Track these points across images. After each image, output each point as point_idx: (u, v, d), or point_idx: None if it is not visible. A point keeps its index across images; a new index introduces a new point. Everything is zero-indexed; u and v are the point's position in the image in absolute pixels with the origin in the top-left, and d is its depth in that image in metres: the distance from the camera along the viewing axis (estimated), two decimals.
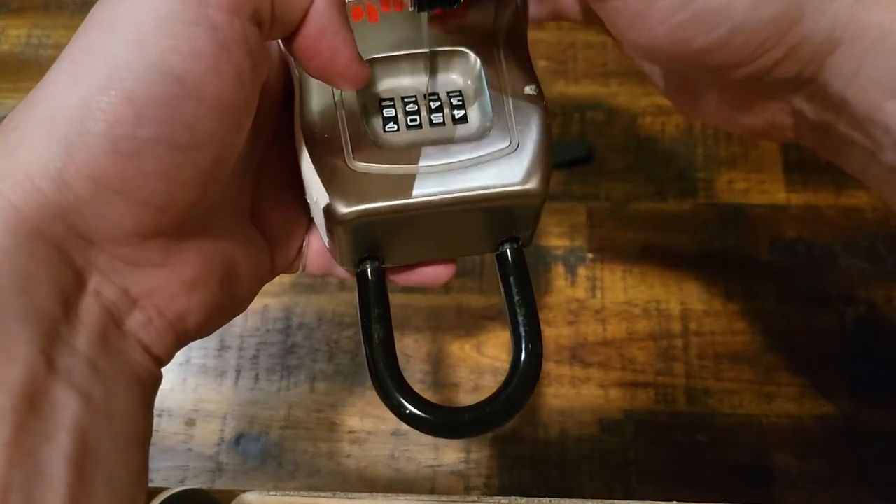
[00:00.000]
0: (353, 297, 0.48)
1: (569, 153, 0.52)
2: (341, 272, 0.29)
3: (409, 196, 0.25)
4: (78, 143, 0.18)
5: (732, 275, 0.48)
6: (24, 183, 0.18)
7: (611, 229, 0.50)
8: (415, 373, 0.47)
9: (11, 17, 0.59)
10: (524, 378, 0.26)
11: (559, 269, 0.49)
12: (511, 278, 0.27)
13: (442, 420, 0.25)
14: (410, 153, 0.25)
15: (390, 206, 0.25)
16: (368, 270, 0.27)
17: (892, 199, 0.26)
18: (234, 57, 0.20)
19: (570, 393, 0.46)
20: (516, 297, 0.27)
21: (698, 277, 0.48)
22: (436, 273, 0.28)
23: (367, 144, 0.25)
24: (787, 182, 0.51)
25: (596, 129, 0.53)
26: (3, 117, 0.57)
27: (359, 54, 0.23)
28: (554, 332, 0.47)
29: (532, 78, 0.27)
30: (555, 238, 0.50)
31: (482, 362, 0.47)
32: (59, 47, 0.57)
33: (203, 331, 0.23)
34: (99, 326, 0.19)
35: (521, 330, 0.26)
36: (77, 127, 0.18)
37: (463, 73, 0.28)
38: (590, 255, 0.49)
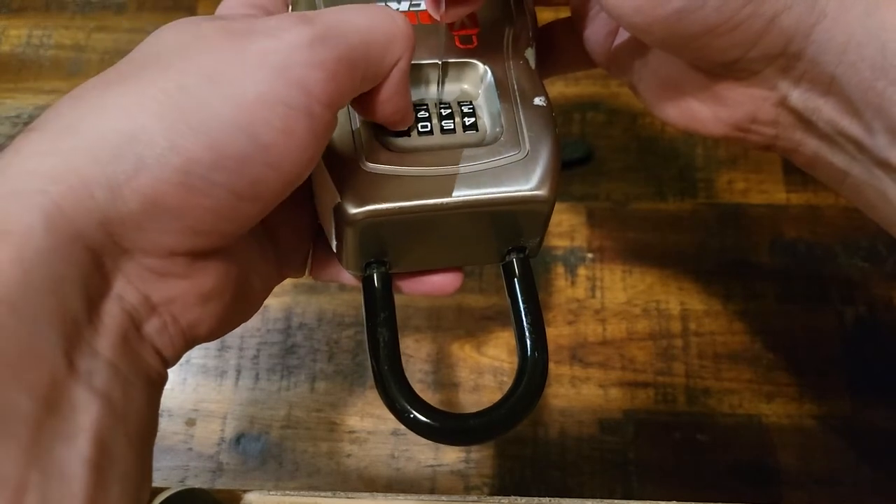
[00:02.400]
0: (353, 297, 0.49)
1: (569, 153, 0.52)
2: (348, 278, 0.29)
3: (420, 198, 0.25)
4: (152, 165, 0.19)
5: (732, 275, 0.48)
6: (78, 188, 0.19)
7: (611, 229, 0.50)
8: (415, 373, 0.47)
9: (12, 17, 0.59)
10: (530, 385, 0.26)
11: (559, 269, 0.49)
12: (517, 287, 0.28)
13: (447, 426, 0.25)
14: (422, 157, 0.26)
15: (400, 208, 0.25)
16: (375, 276, 0.27)
17: (872, 203, 0.25)
18: (318, 143, 0.21)
19: (570, 393, 0.46)
20: (523, 306, 0.27)
21: (698, 277, 0.49)
22: (443, 282, 0.29)
23: (378, 148, 0.26)
24: (787, 182, 0.51)
25: (596, 129, 0.53)
26: (4, 117, 0.56)
27: (411, 106, 0.25)
28: (554, 332, 0.47)
29: (541, 90, 0.28)
30: (555, 238, 0.50)
31: (482, 362, 0.47)
32: (60, 47, 0.57)
33: (211, 336, 0.24)
34: (120, 330, 0.20)
35: (528, 338, 0.27)
36: (156, 152, 0.19)
37: (473, 83, 0.28)
38: (590, 255, 0.49)
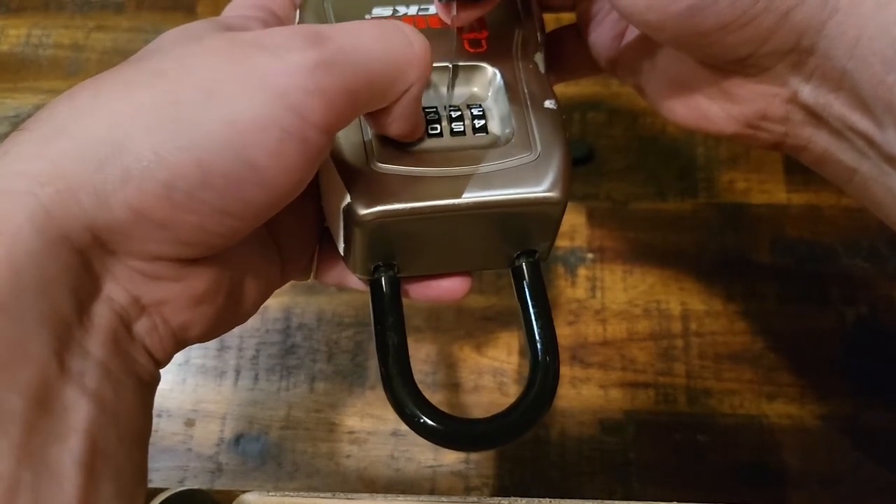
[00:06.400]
0: (352, 297, 0.48)
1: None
2: (354, 282, 0.29)
3: (432, 199, 0.25)
4: (137, 178, 0.19)
5: (733, 275, 0.48)
6: (65, 193, 0.18)
7: (611, 229, 0.50)
8: (415, 373, 0.46)
9: (11, 17, 0.59)
10: (542, 391, 0.26)
11: (559, 269, 0.49)
12: (527, 291, 0.27)
13: (457, 432, 0.25)
14: (433, 158, 0.25)
15: (411, 209, 0.24)
16: (383, 279, 0.27)
17: (880, 201, 0.25)
18: (310, 166, 0.21)
19: (570, 393, 0.46)
20: (533, 311, 0.27)
21: (699, 277, 0.48)
22: (451, 287, 0.28)
23: (388, 149, 0.25)
24: (788, 182, 0.51)
25: (596, 129, 0.53)
26: (3, 117, 0.56)
27: (422, 119, 0.25)
28: None
29: (551, 93, 0.27)
30: None
31: (482, 363, 0.47)
32: (59, 47, 0.57)
33: (203, 338, 0.24)
34: (110, 330, 0.20)
35: (538, 343, 0.26)
36: (142, 165, 0.19)
37: (483, 86, 0.28)
38: (590, 255, 0.49)
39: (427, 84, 0.28)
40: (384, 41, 0.21)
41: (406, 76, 0.22)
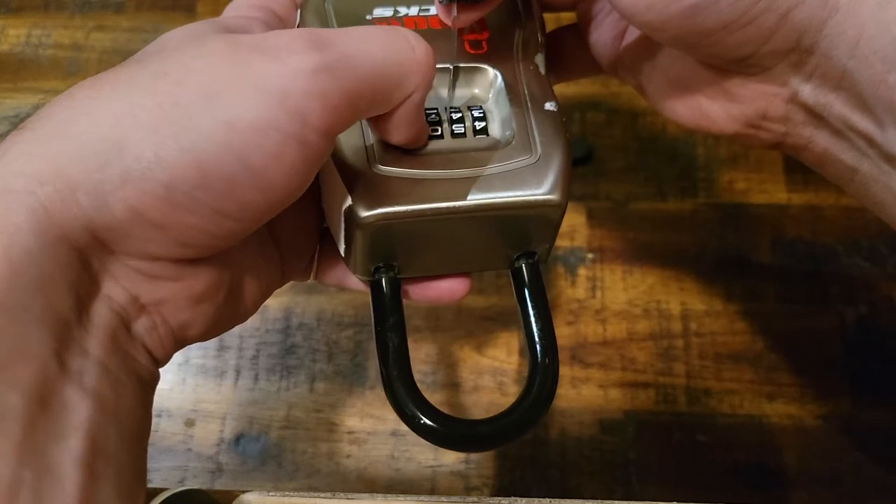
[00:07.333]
0: (352, 297, 0.48)
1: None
2: (354, 283, 0.29)
3: (432, 201, 0.25)
4: (137, 178, 0.19)
5: (733, 275, 0.48)
6: (64, 192, 0.18)
7: (611, 229, 0.50)
8: (415, 373, 0.46)
9: (11, 17, 0.59)
10: (541, 392, 0.26)
11: (559, 269, 0.49)
12: (527, 293, 0.27)
13: (457, 433, 0.25)
14: (433, 160, 0.26)
15: (412, 211, 0.25)
16: (383, 280, 0.27)
17: (880, 200, 0.25)
18: (310, 169, 0.21)
19: (570, 393, 0.46)
20: (532, 312, 0.27)
21: (699, 277, 0.48)
22: (451, 288, 0.28)
23: (389, 151, 0.25)
24: (788, 182, 0.51)
25: (596, 129, 0.53)
26: (2, 117, 0.56)
27: (425, 126, 0.25)
28: None
29: (551, 95, 0.27)
30: None
31: (482, 362, 0.47)
32: (59, 47, 0.57)
33: (203, 337, 0.24)
34: (109, 330, 0.20)
35: (538, 345, 0.27)
36: (142, 165, 0.19)
37: (484, 88, 0.28)
38: (590, 255, 0.49)
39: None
40: (387, 47, 0.21)
41: (408, 83, 0.22)
